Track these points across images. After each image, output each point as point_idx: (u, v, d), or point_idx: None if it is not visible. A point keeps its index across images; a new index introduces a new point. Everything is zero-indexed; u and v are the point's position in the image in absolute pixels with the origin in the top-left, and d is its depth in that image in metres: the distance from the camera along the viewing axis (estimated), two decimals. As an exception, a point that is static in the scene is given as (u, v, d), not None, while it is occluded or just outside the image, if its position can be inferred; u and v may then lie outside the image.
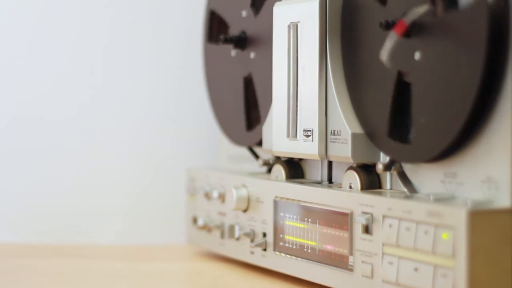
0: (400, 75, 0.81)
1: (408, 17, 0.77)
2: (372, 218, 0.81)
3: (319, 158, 0.89)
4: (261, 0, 1.01)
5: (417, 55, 0.79)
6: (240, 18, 1.04)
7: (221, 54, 1.09)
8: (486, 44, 0.72)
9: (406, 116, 0.81)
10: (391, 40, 0.78)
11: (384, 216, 0.79)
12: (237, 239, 1.01)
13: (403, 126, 0.82)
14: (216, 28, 1.11)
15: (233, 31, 1.06)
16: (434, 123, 0.77)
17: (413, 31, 0.78)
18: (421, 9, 0.77)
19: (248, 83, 1.05)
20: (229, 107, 1.08)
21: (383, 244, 0.79)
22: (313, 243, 0.89)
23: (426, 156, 0.78)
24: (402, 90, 0.81)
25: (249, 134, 1.04)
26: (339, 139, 0.87)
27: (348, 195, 0.84)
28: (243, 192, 0.99)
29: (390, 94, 0.82)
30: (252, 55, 1.03)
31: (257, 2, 1.02)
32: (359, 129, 0.86)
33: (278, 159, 0.98)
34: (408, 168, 0.83)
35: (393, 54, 0.78)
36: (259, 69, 1.02)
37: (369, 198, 0.81)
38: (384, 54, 0.78)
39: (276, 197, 0.94)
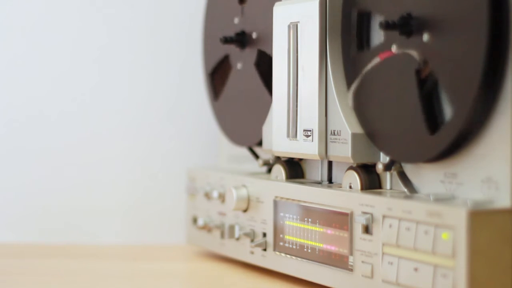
0: None
1: (399, 49, 0.78)
2: (372, 218, 0.81)
3: (319, 158, 0.89)
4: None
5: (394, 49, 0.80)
6: (250, 24, 1.04)
7: (220, 53, 1.09)
8: (486, 44, 0.72)
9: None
10: (360, 77, 0.79)
11: (384, 216, 0.79)
12: (237, 239, 1.01)
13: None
14: None
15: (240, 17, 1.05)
16: (434, 123, 0.77)
17: (403, 31, 0.79)
18: (413, 53, 0.77)
19: (225, 61, 1.07)
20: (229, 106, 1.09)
21: (383, 244, 0.79)
22: (313, 243, 0.89)
23: (426, 156, 0.78)
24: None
25: (249, 134, 1.04)
26: (339, 139, 0.87)
27: (348, 195, 0.84)
28: (243, 192, 0.99)
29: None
30: (247, 54, 1.03)
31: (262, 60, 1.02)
32: (359, 129, 0.86)
33: (278, 159, 0.98)
34: (408, 168, 0.83)
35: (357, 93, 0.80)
36: (244, 69, 1.03)
37: (369, 198, 0.81)
38: (351, 96, 0.80)
39: (276, 197, 0.94)
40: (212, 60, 1.10)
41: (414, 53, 0.77)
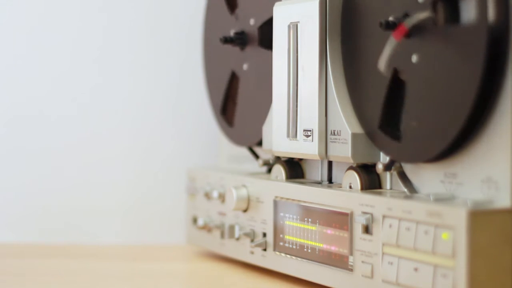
0: (396, 73, 0.81)
1: (408, 21, 0.77)
2: (372, 218, 0.81)
3: (319, 158, 0.89)
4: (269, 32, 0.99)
5: (414, 58, 0.79)
6: (247, 19, 1.04)
7: (221, 54, 1.09)
8: (486, 45, 0.72)
9: (402, 114, 0.81)
10: (389, 46, 0.78)
11: (384, 216, 0.79)
12: (237, 239, 1.01)
13: (397, 124, 0.82)
14: None
15: (236, 21, 1.05)
16: (434, 123, 0.77)
17: (413, 33, 0.78)
18: (422, 15, 0.77)
19: (233, 78, 1.06)
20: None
21: (383, 244, 0.79)
22: (313, 243, 0.89)
23: (426, 156, 0.78)
24: (399, 89, 0.81)
25: (249, 134, 1.04)
26: (339, 139, 0.87)
27: (348, 195, 0.84)
28: (243, 192, 0.99)
29: (385, 90, 0.82)
30: (248, 54, 1.03)
31: (264, 31, 1.02)
32: (359, 129, 0.86)
33: (278, 159, 0.98)
34: (408, 168, 0.83)
35: (391, 61, 0.78)
36: (250, 69, 1.02)
37: (369, 198, 0.81)
38: (382, 62, 0.78)
39: (276, 197, 0.94)
40: (219, 94, 1.10)
41: (423, 14, 0.77)
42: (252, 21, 1.02)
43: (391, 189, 0.85)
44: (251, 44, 1.03)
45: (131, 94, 1.24)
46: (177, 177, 1.22)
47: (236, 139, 1.07)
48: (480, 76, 0.72)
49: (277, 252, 0.94)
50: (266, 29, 0.99)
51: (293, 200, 0.92)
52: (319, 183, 0.94)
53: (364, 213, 0.81)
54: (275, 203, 0.94)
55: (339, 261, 0.85)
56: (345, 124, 0.86)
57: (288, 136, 0.93)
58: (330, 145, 0.88)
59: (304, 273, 0.90)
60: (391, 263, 0.78)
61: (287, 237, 0.93)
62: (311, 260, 0.89)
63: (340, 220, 0.85)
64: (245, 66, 1.04)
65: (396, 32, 0.77)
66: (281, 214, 0.93)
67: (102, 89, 1.24)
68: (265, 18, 1.00)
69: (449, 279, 0.72)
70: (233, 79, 1.07)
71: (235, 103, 1.07)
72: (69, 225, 1.22)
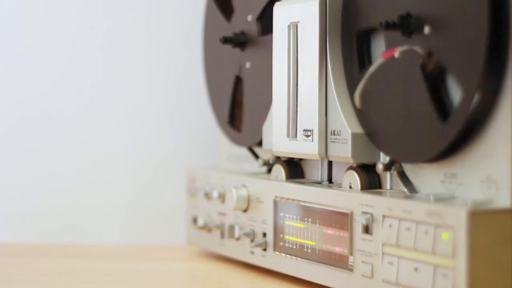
0: None
1: (401, 48, 0.78)
2: (372, 218, 0.81)
3: (319, 158, 0.89)
4: (268, 20, 0.99)
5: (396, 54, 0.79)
6: (244, 19, 1.04)
7: (221, 53, 1.09)
8: (486, 44, 0.72)
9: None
10: (376, 64, 0.79)
11: (384, 216, 0.79)
12: (237, 239, 1.01)
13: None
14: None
15: (234, 26, 1.05)
16: (434, 123, 0.77)
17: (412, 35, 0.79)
18: (417, 49, 0.77)
19: (238, 82, 1.06)
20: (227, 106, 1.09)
21: (383, 244, 0.79)
22: (313, 243, 0.89)
23: (426, 156, 0.78)
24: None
25: (249, 134, 1.04)
26: (339, 139, 0.87)
27: (348, 195, 0.84)
28: (243, 192, 0.99)
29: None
30: (249, 55, 1.03)
31: (263, 20, 1.01)
32: (359, 129, 0.86)
33: (278, 159, 0.98)
34: (408, 168, 0.83)
35: (365, 94, 0.79)
36: (252, 71, 1.02)
37: (369, 198, 0.81)
38: (358, 95, 0.79)
39: (276, 197, 0.94)
40: (225, 107, 1.09)
41: (417, 48, 0.77)
42: (249, 18, 1.02)
43: (391, 189, 0.85)
44: (251, 45, 1.03)
45: (131, 94, 1.24)
46: (177, 177, 1.22)
47: (236, 139, 1.07)
48: (484, 53, 0.72)
49: (277, 252, 0.94)
50: (265, 18, 0.99)
51: (293, 200, 0.92)
52: (319, 183, 0.94)
53: (364, 213, 0.81)
54: (275, 203, 0.94)
55: (339, 261, 0.85)
56: (345, 124, 0.86)
57: (288, 136, 0.93)
58: (330, 145, 0.88)
59: (304, 273, 0.90)
60: (391, 263, 0.78)
61: (287, 237, 0.93)
62: (311, 260, 0.89)
63: (340, 220, 0.85)
64: (247, 65, 1.04)
65: (386, 53, 0.78)
66: (281, 214, 0.93)
67: (103, 89, 1.24)
68: (261, 7, 1.00)
69: (449, 279, 0.72)
70: (237, 83, 1.07)
71: (240, 106, 1.07)
72: (69, 225, 1.22)
